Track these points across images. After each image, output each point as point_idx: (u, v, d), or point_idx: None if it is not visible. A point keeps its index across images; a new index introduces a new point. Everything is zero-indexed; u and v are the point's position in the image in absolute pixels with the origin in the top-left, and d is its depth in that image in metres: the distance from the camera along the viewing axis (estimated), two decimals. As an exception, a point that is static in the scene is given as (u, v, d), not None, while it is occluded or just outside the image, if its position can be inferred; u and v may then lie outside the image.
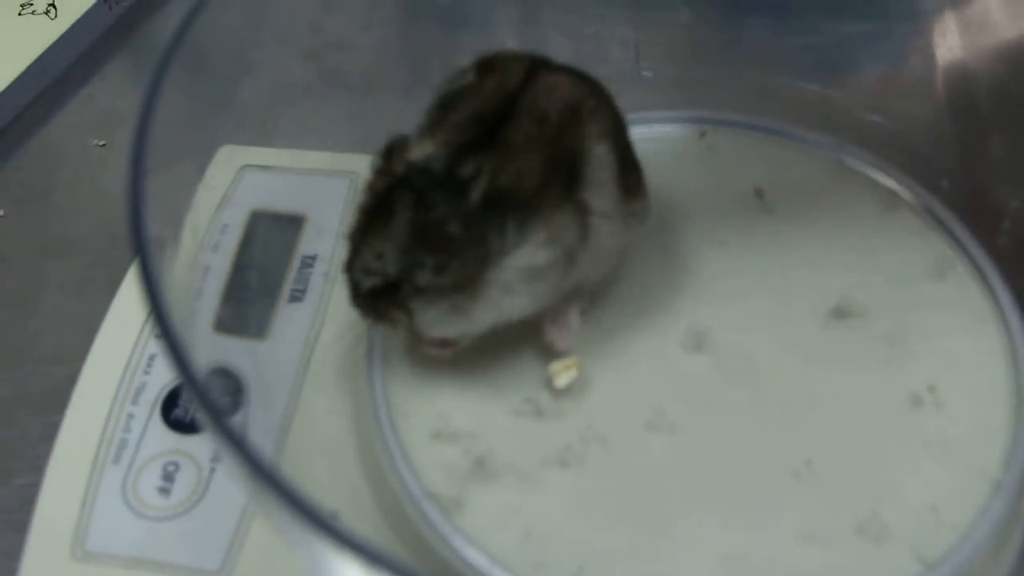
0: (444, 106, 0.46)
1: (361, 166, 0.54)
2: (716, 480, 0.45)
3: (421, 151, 0.44)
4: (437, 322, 0.45)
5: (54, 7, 0.66)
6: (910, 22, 0.60)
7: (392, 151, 0.45)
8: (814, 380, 0.48)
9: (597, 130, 0.46)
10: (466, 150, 0.44)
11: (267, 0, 0.52)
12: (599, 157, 0.46)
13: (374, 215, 0.44)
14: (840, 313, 0.50)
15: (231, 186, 0.53)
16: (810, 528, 0.44)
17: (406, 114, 0.47)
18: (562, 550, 0.43)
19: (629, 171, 0.48)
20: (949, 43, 0.59)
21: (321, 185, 0.55)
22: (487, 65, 0.47)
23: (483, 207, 0.43)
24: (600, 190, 0.46)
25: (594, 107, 0.46)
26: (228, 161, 0.52)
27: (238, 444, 0.32)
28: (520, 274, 0.44)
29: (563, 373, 0.47)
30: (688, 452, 0.46)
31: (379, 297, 0.45)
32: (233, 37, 0.49)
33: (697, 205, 0.54)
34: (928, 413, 0.47)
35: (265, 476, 0.32)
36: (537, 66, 0.47)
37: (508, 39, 0.51)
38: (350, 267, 0.45)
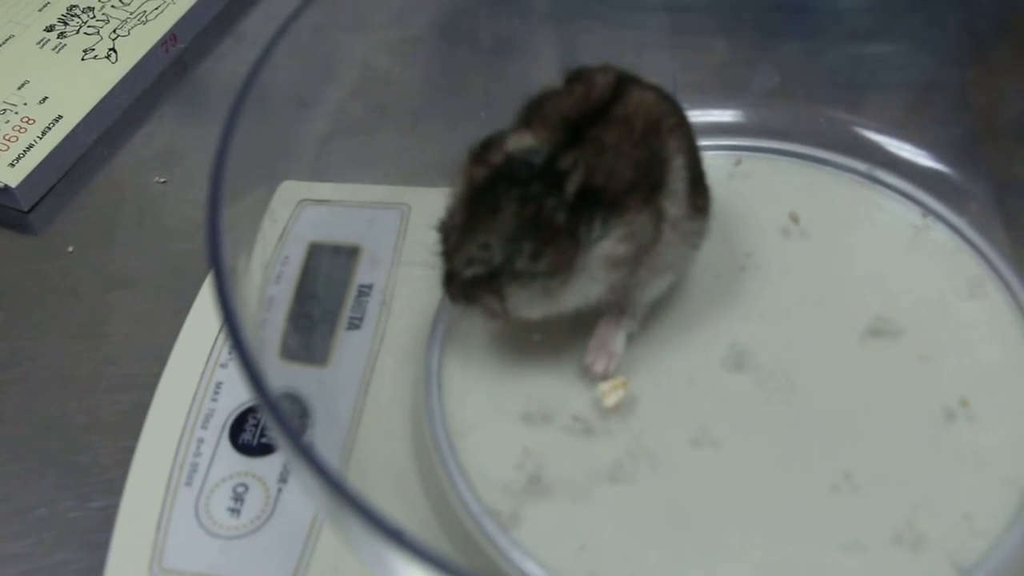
0: (531, 108, 0.49)
1: (411, 198, 0.57)
2: (759, 493, 0.47)
3: (519, 143, 0.47)
4: (528, 304, 0.47)
5: (115, 51, 0.69)
6: (938, 45, 0.62)
7: (490, 144, 0.47)
8: (851, 396, 0.50)
9: (677, 144, 0.49)
10: (560, 146, 0.46)
11: (317, 39, 0.54)
12: (677, 170, 0.49)
13: (476, 206, 0.46)
14: (875, 332, 0.52)
15: (290, 220, 0.55)
16: (850, 537, 0.45)
17: (451, 146, 0.49)
18: (614, 561, 0.45)
19: (699, 191, 0.51)
20: (976, 67, 0.61)
21: (374, 217, 0.57)
22: (575, 76, 0.50)
23: (577, 199, 0.45)
24: (674, 199, 0.49)
25: (675, 124, 0.50)
26: (288, 196, 0.54)
27: (308, 455, 0.35)
28: (602, 262, 0.47)
29: (612, 393, 0.49)
30: (732, 467, 0.48)
31: (475, 283, 0.47)
32: (289, 78, 0.51)
33: (735, 229, 0.56)
34: (961, 426, 0.49)
35: (344, 494, 0.34)
36: (626, 80, 0.50)
37: (547, 71, 0.52)
38: (450, 257, 0.47)
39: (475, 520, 0.46)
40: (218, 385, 0.52)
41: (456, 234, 0.47)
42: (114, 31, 0.70)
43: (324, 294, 0.54)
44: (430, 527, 0.47)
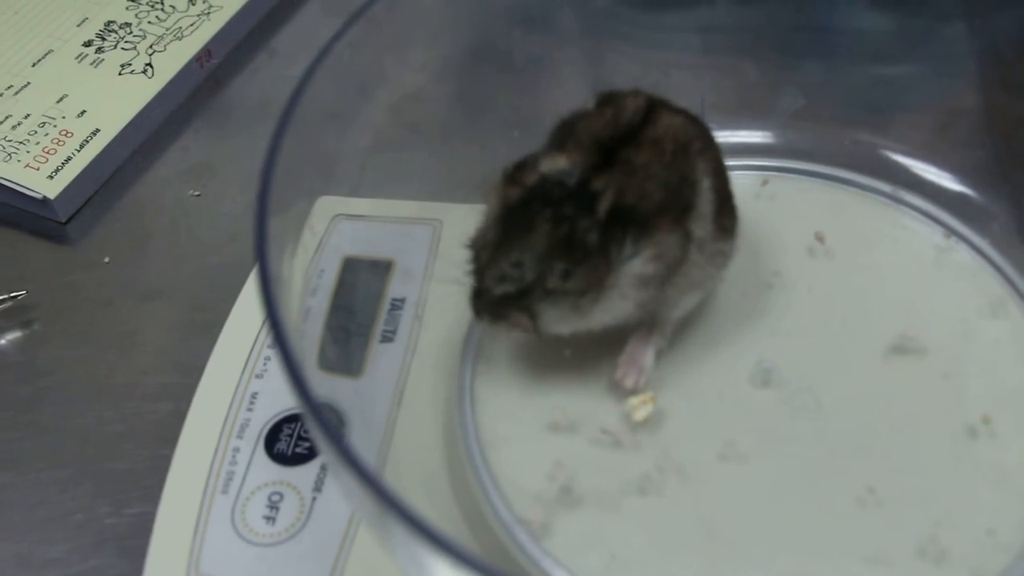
0: (563, 129, 0.51)
1: (442, 214, 0.58)
2: (785, 507, 0.48)
3: (552, 164, 0.48)
4: (558, 321, 0.49)
5: (151, 67, 0.70)
6: (961, 68, 0.63)
7: (524, 165, 0.48)
8: (875, 413, 0.51)
9: (705, 167, 0.50)
10: (592, 168, 0.47)
11: (354, 58, 0.55)
12: (705, 192, 0.50)
13: (510, 225, 0.47)
14: (899, 350, 0.53)
15: (326, 234, 0.56)
16: (874, 551, 0.46)
17: (482, 163, 0.50)
18: (643, 571, 0.46)
19: (726, 212, 0.52)
20: (999, 91, 0.61)
21: (407, 232, 0.59)
22: (607, 99, 0.51)
23: (608, 219, 0.46)
24: (701, 221, 0.50)
25: (703, 147, 0.51)
26: (323, 211, 0.55)
27: (351, 458, 0.36)
28: (632, 281, 0.48)
29: (641, 407, 0.50)
30: (758, 481, 0.49)
31: (505, 301, 0.48)
32: (328, 96, 0.52)
33: (762, 249, 0.57)
34: (983, 443, 0.49)
35: (386, 497, 0.35)
36: (656, 104, 0.51)
37: (576, 91, 0.53)
38: (481, 274, 0.48)
39: (507, 529, 0.47)
40: (253, 395, 0.53)
41: (489, 251, 0.48)
42: (151, 47, 0.71)
43: (358, 307, 0.55)
44: (463, 535, 0.48)
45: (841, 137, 0.61)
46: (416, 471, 0.50)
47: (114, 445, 0.55)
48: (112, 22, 0.73)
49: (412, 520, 0.34)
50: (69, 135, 0.66)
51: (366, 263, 0.57)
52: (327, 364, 0.51)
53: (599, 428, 0.50)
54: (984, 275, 0.56)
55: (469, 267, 0.49)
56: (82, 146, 0.66)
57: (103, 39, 0.72)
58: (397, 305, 0.56)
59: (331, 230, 0.56)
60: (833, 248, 0.57)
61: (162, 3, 0.75)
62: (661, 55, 0.66)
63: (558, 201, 0.46)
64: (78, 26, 0.73)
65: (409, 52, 0.60)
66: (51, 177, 0.64)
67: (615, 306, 0.49)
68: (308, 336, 0.51)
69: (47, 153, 0.65)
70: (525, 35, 0.65)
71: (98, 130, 0.67)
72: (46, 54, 0.71)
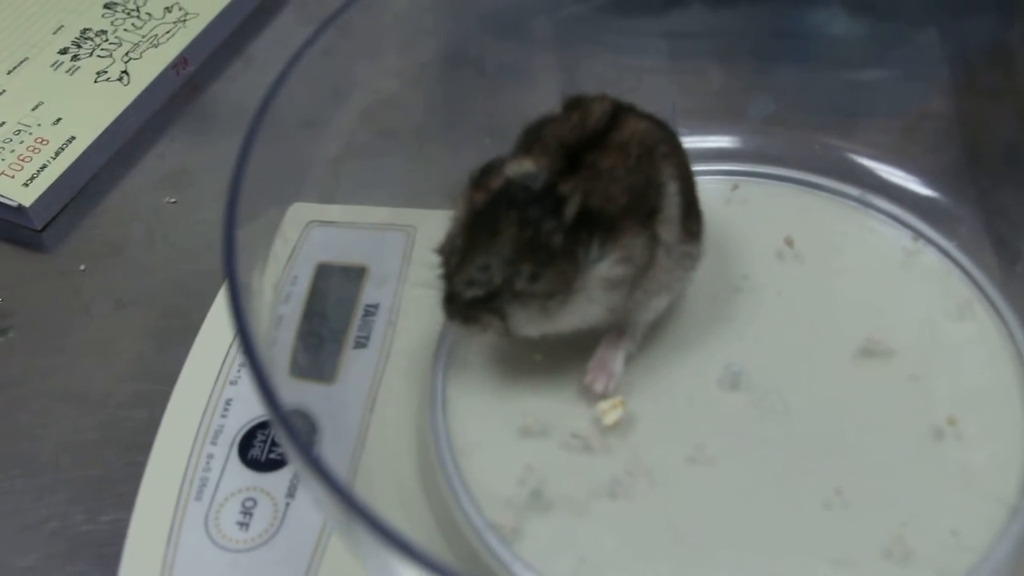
0: (530, 134, 0.51)
1: (416, 220, 0.58)
2: (753, 509, 0.48)
3: (518, 168, 0.48)
4: (528, 323, 0.49)
5: (127, 74, 0.70)
6: (928, 73, 0.63)
7: (490, 169, 0.49)
8: (843, 415, 0.51)
9: (671, 171, 0.51)
10: (558, 172, 0.48)
11: (327, 64, 0.55)
12: (671, 195, 0.50)
13: (477, 229, 0.48)
14: (866, 352, 0.53)
15: (300, 241, 0.56)
16: (840, 553, 0.47)
17: (456, 169, 0.50)
18: (613, 574, 0.47)
19: (692, 216, 0.52)
20: (965, 95, 0.62)
21: (381, 238, 0.59)
22: (573, 103, 0.52)
23: (574, 223, 0.47)
24: (668, 224, 0.50)
25: (669, 151, 0.51)
26: (297, 218, 0.56)
27: (320, 469, 0.36)
28: (599, 284, 0.48)
29: (611, 411, 0.50)
30: (727, 484, 0.49)
31: (475, 304, 0.48)
32: (301, 102, 0.53)
33: (732, 253, 0.57)
34: (949, 444, 0.50)
35: (354, 505, 0.35)
36: (622, 109, 0.51)
37: (550, 96, 0.54)
38: (451, 279, 0.49)
39: (478, 534, 0.47)
40: (228, 402, 0.53)
41: (457, 256, 0.48)
42: (126, 54, 0.72)
43: (332, 313, 0.56)
44: (435, 541, 0.48)
45: (811, 142, 0.62)
46: (388, 476, 0.50)
47: (89, 452, 0.55)
48: (88, 29, 0.74)
49: (379, 529, 0.35)
50: (44, 143, 0.66)
51: (340, 269, 0.57)
52: (299, 371, 0.52)
53: (569, 432, 0.50)
54: (951, 278, 0.56)
55: (439, 272, 0.49)
56: (57, 153, 0.66)
57: (79, 46, 0.73)
58: (371, 311, 0.56)
59: (305, 237, 0.57)
60: (802, 252, 0.57)
61: (138, 11, 0.75)
62: (635, 60, 0.67)
63: (523, 204, 0.47)
64: (54, 34, 0.73)
65: (383, 58, 0.61)
66: (26, 185, 0.64)
67: (584, 309, 0.49)
68: (280, 343, 0.51)
69: (22, 161, 0.65)
70: (499, 41, 0.65)
71: (74, 137, 0.67)
72: (21, 61, 0.72)
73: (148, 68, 0.71)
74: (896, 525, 0.47)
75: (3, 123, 0.68)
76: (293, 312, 0.54)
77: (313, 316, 0.55)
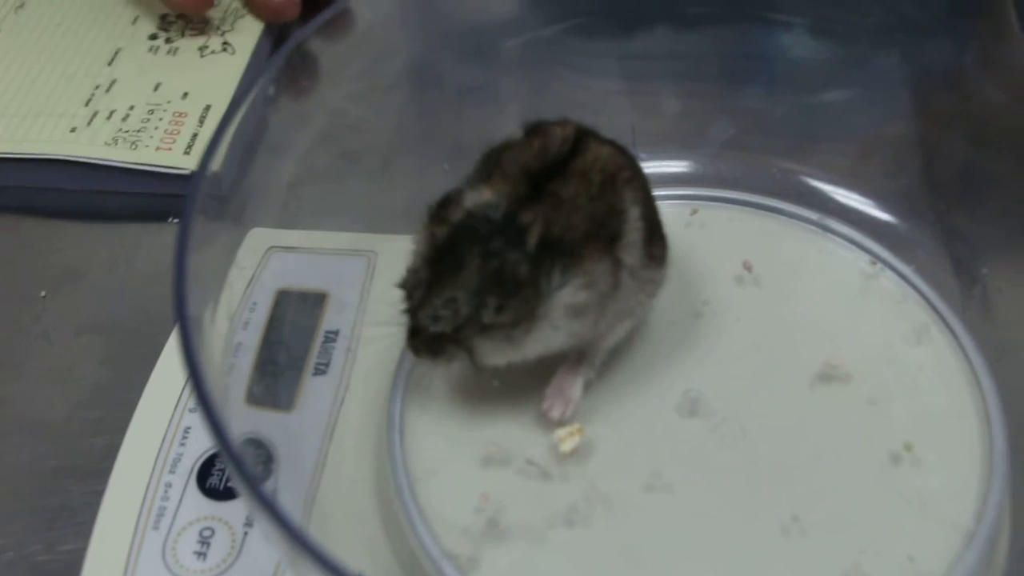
0: (489, 159, 0.51)
1: (378, 245, 0.58)
2: (711, 537, 0.48)
3: (477, 199, 0.48)
4: (493, 353, 0.49)
5: (229, 44, 0.73)
6: (885, 98, 0.64)
7: (447, 201, 0.49)
8: (801, 441, 0.51)
9: (632, 196, 0.51)
10: (519, 200, 0.48)
11: (288, 88, 0.55)
12: (633, 221, 0.50)
13: (440, 263, 0.48)
14: (825, 377, 0.53)
15: (259, 267, 0.56)
16: (798, 579, 0.47)
17: (421, 193, 0.50)
18: (570, 603, 0.47)
19: (655, 241, 0.52)
20: (921, 119, 0.62)
21: (341, 264, 0.59)
22: (534, 128, 0.52)
23: (537, 252, 0.47)
24: (630, 249, 0.50)
25: (630, 176, 0.51)
26: (256, 243, 0.55)
27: (269, 507, 0.36)
28: (563, 311, 0.48)
29: (568, 439, 0.50)
30: (684, 511, 0.49)
31: (441, 338, 0.48)
32: (260, 125, 0.53)
33: (691, 278, 0.57)
34: (906, 469, 0.50)
35: (298, 539, 0.35)
36: (584, 134, 0.51)
37: (515, 118, 0.54)
38: (415, 314, 0.48)
39: (435, 564, 0.47)
40: (187, 430, 0.53)
41: (421, 291, 0.48)
42: (218, 28, 0.75)
43: (291, 340, 0.55)
44: (392, 570, 0.48)
45: (769, 165, 0.62)
46: (346, 505, 0.50)
47: (49, 481, 0.55)
48: (168, 14, 0.76)
49: (326, 565, 0.35)
50: (184, 115, 0.68)
51: (299, 296, 0.57)
52: (256, 399, 0.51)
53: (527, 459, 0.50)
54: (909, 302, 0.56)
55: (403, 306, 0.49)
56: (201, 121, 0.67)
57: (166, 31, 0.75)
58: (331, 337, 0.56)
59: (264, 263, 0.56)
60: (761, 276, 0.58)
61: None
62: (600, 83, 0.67)
63: (485, 236, 0.47)
64: (133, 24, 0.75)
65: (346, 81, 0.61)
66: (187, 153, 0.66)
67: (548, 336, 0.49)
68: (237, 371, 0.51)
69: (171, 135, 0.67)
70: (465, 63, 0.65)
71: (209, 105, 0.68)
72: (116, 52, 0.73)
73: (246, 38, 0.74)
74: (853, 552, 0.47)
75: (132, 107, 0.69)
76: (251, 339, 0.54)
77: (272, 343, 0.54)
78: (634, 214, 0.50)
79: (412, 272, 0.49)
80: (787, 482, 0.50)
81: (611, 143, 0.52)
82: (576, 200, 0.49)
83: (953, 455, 0.51)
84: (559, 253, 0.47)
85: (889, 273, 0.58)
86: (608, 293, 0.49)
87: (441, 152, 0.62)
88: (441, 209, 0.48)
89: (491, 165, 0.50)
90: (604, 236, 0.49)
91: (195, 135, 0.67)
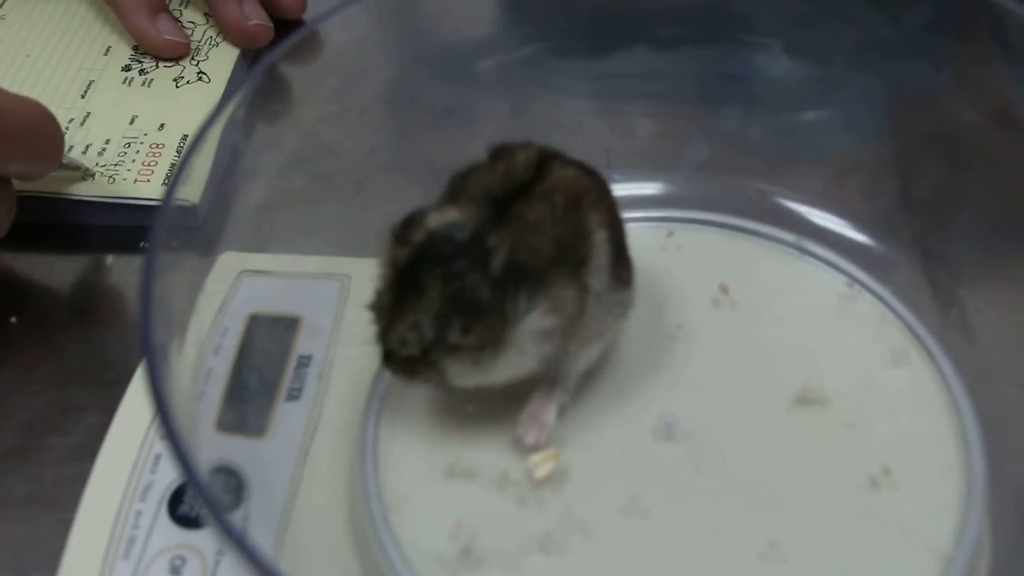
0: (455, 183, 0.51)
1: (352, 269, 0.58)
2: (688, 563, 0.48)
3: (441, 219, 0.48)
4: (462, 375, 0.48)
5: (204, 74, 0.72)
6: (861, 118, 0.64)
7: (411, 222, 0.48)
8: (778, 465, 0.51)
9: (598, 219, 0.50)
10: (482, 223, 0.47)
11: (259, 110, 0.55)
12: (600, 243, 0.50)
13: (403, 287, 0.47)
14: (802, 401, 0.53)
15: (230, 291, 0.56)
16: (776, 606, 0.46)
17: (395, 215, 0.50)
18: (545, 632, 0.46)
19: (622, 263, 0.52)
20: (898, 140, 0.62)
21: (314, 288, 0.58)
22: (499, 152, 0.51)
23: (502, 276, 0.46)
24: (598, 273, 0.50)
25: (596, 199, 0.51)
26: (227, 267, 0.55)
27: (238, 540, 0.35)
28: (530, 336, 0.48)
29: (542, 464, 0.50)
30: (661, 537, 0.49)
31: (412, 360, 0.48)
32: (231, 148, 0.52)
33: (666, 300, 0.57)
34: (884, 494, 0.50)
35: (266, 571, 0.35)
36: (548, 156, 0.51)
37: (491, 140, 0.54)
38: (384, 337, 0.48)
39: (409, 593, 0.47)
40: (157, 457, 0.53)
41: (386, 314, 0.48)
42: (192, 58, 0.74)
43: (263, 365, 0.55)
44: (364, 599, 0.48)
45: (746, 187, 0.62)
46: (318, 533, 0.50)
47: (18, 509, 0.54)
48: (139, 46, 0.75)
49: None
50: (161, 146, 0.67)
51: (271, 320, 0.56)
52: (227, 426, 0.51)
53: (500, 485, 0.50)
54: (886, 324, 0.56)
55: (372, 329, 0.49)
56: (179, 151, 0.67)
57: (140, 61, 0.74)
58: (304, 362, 0.56)
59: (235, 287, 0.56)
60: (737, 299, 0.57)
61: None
62: (577, 104, 0.67)
63: (448, 258, 0.46)
64: (105, 55, 0.74)
65: (319, 104, 0.60)
66: (166, 184, 0.65)
67: (516, 361, 0.49)
68: (208, 397, 0.51)
69: (149, 166, 0.66)
70: (441, 84, 0.65)
71: (187, 135, 0.68)
72: (89, 84, 0.72)
73: (221, 66, 0.73)
74: (831, 577, 0.47)
75: (108, 140, 0.68)
76: (222, 365, 0.53)
77: (243, 369, 0.54)
78: (600, 237, 0.50)
79: (378, 295, 0.48)
80: (765, 507, 0.49)
81: (577, 164, 0.52)
82: (541, 223, 0.48)
83: (931, 479, 0.50)
84: (525, 278, 0.47)
85: (866, 295, 0.57)
86: (575, 318, 0.49)
87: (416, 174, 0.61)
88: (404, 230, 0.48)
89: (456, 188, 0.50)
90: (571, 261, 0.49)
91: (173, 165, 0.66)
